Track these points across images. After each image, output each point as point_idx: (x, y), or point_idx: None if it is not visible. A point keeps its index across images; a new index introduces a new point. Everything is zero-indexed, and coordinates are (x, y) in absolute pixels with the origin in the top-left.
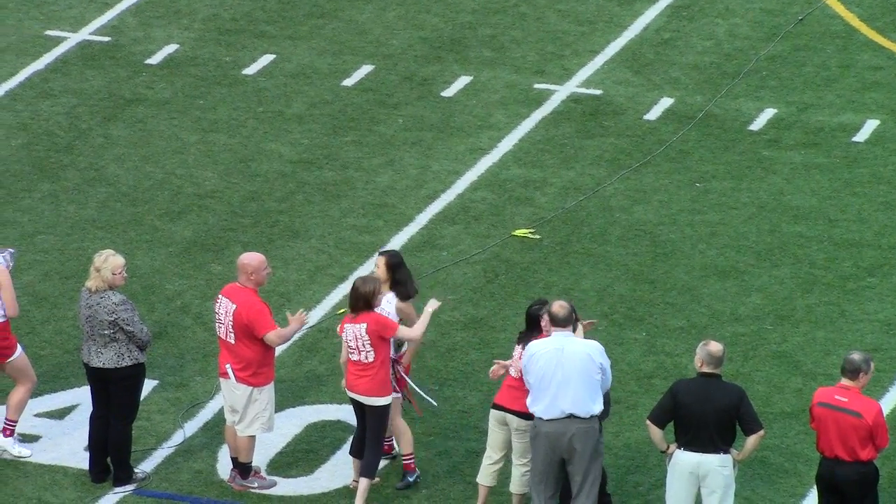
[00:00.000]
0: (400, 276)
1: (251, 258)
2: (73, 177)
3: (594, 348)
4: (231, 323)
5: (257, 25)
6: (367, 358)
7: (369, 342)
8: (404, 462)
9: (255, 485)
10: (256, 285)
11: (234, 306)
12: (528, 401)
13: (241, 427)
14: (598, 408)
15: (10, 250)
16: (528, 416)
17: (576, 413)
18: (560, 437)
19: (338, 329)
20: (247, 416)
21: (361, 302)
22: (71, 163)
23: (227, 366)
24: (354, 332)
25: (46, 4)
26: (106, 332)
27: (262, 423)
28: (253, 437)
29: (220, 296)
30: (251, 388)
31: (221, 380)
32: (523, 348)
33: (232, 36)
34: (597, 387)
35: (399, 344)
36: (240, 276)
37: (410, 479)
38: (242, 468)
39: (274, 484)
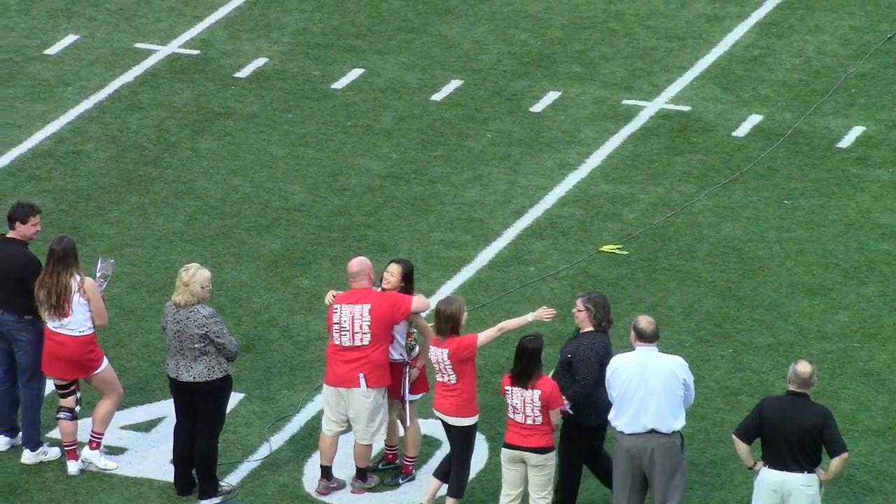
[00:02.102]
0: (409, 287)
1: (363, 262)
2: (162, 190)
3: (678, 364)
4: (367, 324)
5: (346, 40)
6: (450, 380)
7: (451, 366)
8: (405, 462)
9: (373, 483)
10: (373, 284)
11: (368, 305)
12: (611, 415)
13: (362, 435)
14: (679, 423)
15: (111, 260)
16: (543, 450)
17: (657, 428)
18: (641, 451)
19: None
20: (374, 421)
21: (450, 324)
22: (159, 176)
23: (361, 375)
24: (437, 356)
25: (136, 17)
26: (196, 345)
27: (384, 425)
28: (371, 445)
29: (337, 305)
30: (376, 390)
31: (342, 390)
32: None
33: (321, 50)
34: (679, 402)
35: (410, 347)
36: (359, 280)
37: (402, 482)
38: (362, 472)
39: (377, 481)
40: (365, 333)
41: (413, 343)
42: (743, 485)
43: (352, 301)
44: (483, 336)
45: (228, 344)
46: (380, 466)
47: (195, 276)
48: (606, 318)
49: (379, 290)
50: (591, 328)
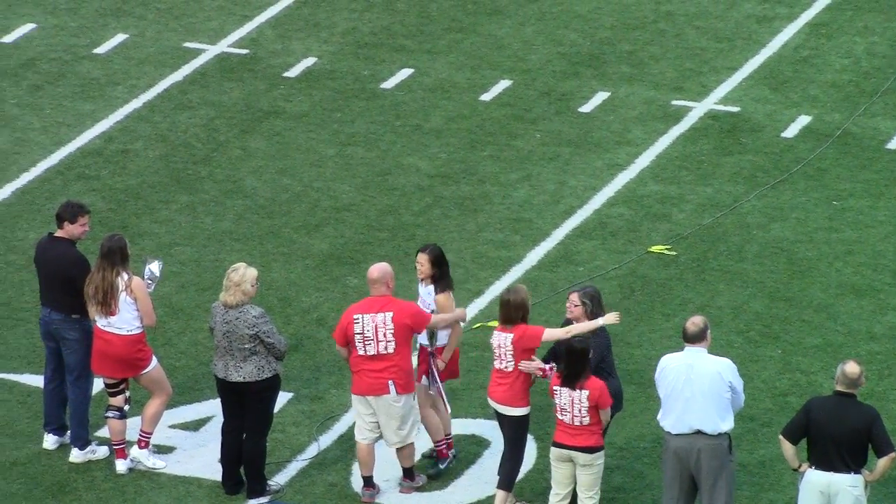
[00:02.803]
0: (443, 270)
1: (384, 268)
2: (211, 189)
3: (725, 366)
4: (391, 332)
5: (396, 39)
6: (507, 367)
7: (511, 352)
8: (437, 448)
9: (421, 482)
10: (392, 292)
11: (391, 313)
12: (659, 415)
13: (391, 439)
14: (727, 425)
15: (159, 262)
16: (591, 449)
17: (703, 429)
18: (688, 452)
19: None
20: (407, 423)
21: (520, 312)
22: (208, 175)
23: (390, 382)
24: (500, 341)
25: (186, 16)
26: (246, 346)
27: (417, 426)
28: (413, 443)
29: (358, 315)
30: (406, 395)
31: (370, 398)
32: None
33: (370, 50)
34: (726, 405)
35: (432, 334)
36: (377, 287)
37: (441, 466)
38: (409, 472)
39: (425, 480)
40: (389, 342)
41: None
42: (790, 485)
43: (373, 310)
44: (549, 333)
45: (278, 343)
46: (441, 466)
47: (245, 275)
48: (601, 311)
49: (405, 289)
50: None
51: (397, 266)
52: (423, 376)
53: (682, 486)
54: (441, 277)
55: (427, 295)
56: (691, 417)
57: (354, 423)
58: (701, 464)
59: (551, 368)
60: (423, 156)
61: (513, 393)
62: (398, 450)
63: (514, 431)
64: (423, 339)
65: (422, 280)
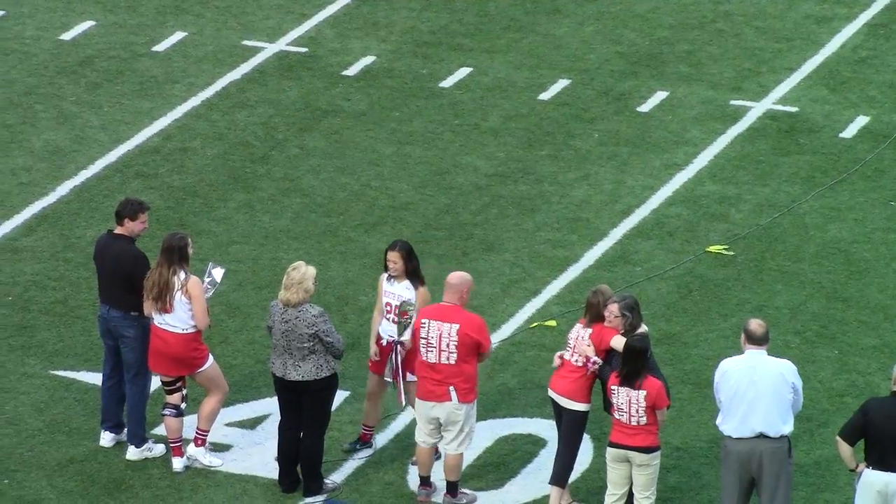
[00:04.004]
0: (416, 264)
1: (464, 278)
2: (269, 187)
3: (787, 367)
4: (454, 343)
5: (454, 38)
6: (578, 361)
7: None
8: (364, 432)
9: (465, 501)
10: (465, 304)
11: (457, 325)
12: (719, 420)
13: (453, 446)
14: (788, 428)
15: (222, 268)
16: (648, 449)
17: (766, 432)
18: (750, 456)
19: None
20: (462, 432)
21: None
22: (266, 173)
23: (451, 388)
24: (579, 332)
25: (244, 15)
26: (305, 345)
27: (471, 437)
28: (462, 455)
29: (425, 320)
30: (467, 404)
31: (434, 403)
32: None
33: (429, 48)
34: (788, 406)
35: (405, 325)
36: (451, 294)
37: (358, 448)
38: (452, 486)
39: (475, 498)
40: (452, 353)
41: (408, 321)
42: (847, 486)
43: (440, 318)
44: (618, 340)
45: (336, 342)
46: (357, 447)
47: (306, 273)
48: (639, 321)
49: (386, 276)
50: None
51: (455, 266)
52: (387, 369)
53: (741, 490)
54: (415, 271)
55: (406, 290)
56: (754, 421)
57: (415, 425)
58: (763, 467)
59: (594, 363)
60: (480, 155)
61: (577, 387)
62: (445, 461)
63: (572, 427)
64: (392, 332)
65: (394, 277)
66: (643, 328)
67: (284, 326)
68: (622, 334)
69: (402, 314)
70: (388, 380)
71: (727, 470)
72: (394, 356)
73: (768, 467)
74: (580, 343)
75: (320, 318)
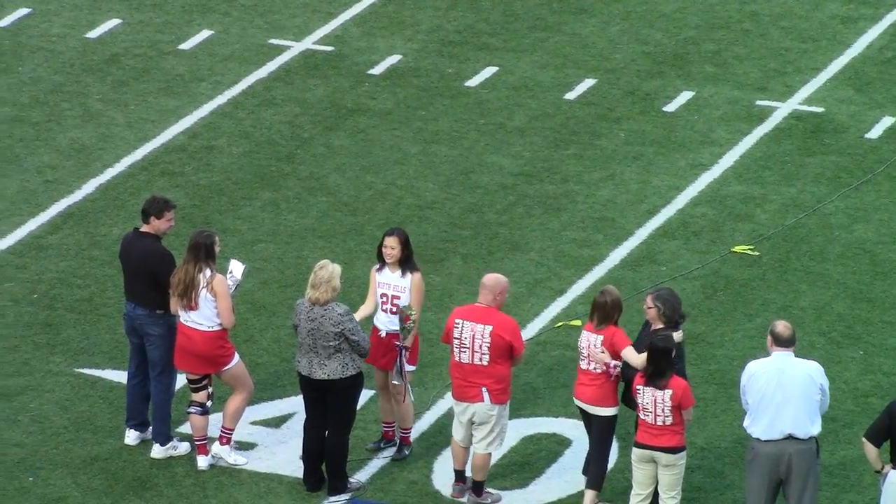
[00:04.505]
0: (410, 251)
1: (499, 280)
2: (294, 186)
3: (815, 369)
4: (487, 345)
5: (480, 37)
6: (595, 368)
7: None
8: (403, 435)
9: (489, 501)
10: (500, 306)
11: (490, 327)
12: (746, 422)
13: (482, 445)
14: (816, 429)
15: (244, 266)
16: (674, 449)
17: (795, 434)
18: (779, 458)
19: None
20: (493, 433)
21: (616, 312)
22: (292, 172)
23: (484, 389)
24: (590, 341)
25: (271, 13)
26: (331, 343)
27: (502, 438)
28: (490, 455)
29: (459, 320)
30: (500, 405)
31: (468, 403)
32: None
33: (455, 48)
34: (816, 408)
35: (408, 330)
36: (485, 295)
37: (407, 453)
38: (477, 486)
39: (500, 498)
40: (484, 354)
41: (411, 326)
42: (871, 486)
43: (474, 319)
44: (629, 352)
45: (361, 341)
46: (381, 445)
47: (334, 271)
48: (677, 313)
49: (376, 267)
50: (661, 325)
51: (481, 266)
52: (393, 366)
53: (768, 492)
54: (409, 258)
55: (399, 280)
56: (783, 422)
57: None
58: (791, 468)
59: (615, 367)
60: (506, 154)
61: (603, 393)
62: (473, 460)
63: (602, 431)
64: (393, 325)
65: (388, 264)
66: (679, 333)
67: (310, 325)
68: (657, 330)
69: (405, 319)
70: (396, 383)
71: (755, 472)
72: (399, 360)
73: (797, 468)
74: (594, 352)
75: (346, 317)
